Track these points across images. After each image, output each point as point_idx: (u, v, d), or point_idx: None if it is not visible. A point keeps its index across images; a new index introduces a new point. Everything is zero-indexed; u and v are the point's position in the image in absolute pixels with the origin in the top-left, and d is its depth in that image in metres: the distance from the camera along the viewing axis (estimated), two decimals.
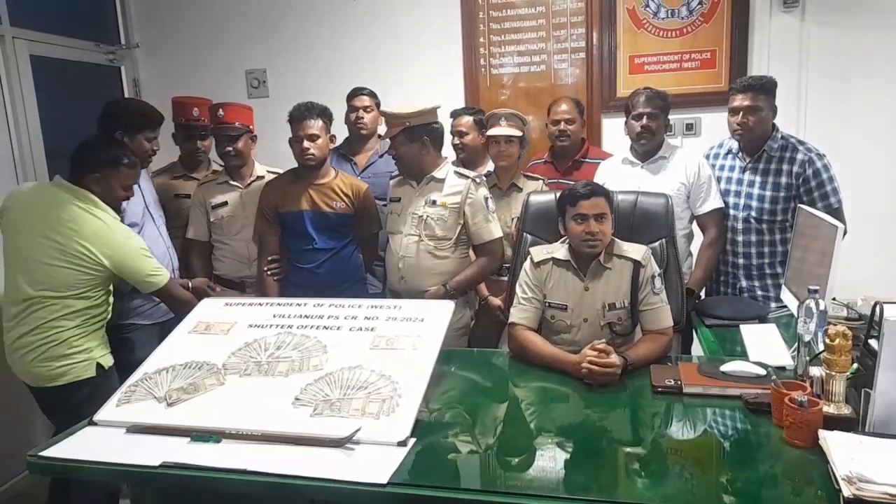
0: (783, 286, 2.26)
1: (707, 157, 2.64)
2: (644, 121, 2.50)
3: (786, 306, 2.28)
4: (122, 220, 2.28)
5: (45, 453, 1.48)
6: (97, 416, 1.62)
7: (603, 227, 1.93)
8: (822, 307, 1.60)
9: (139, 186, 2.39)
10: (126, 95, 3.71)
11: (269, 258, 2.50)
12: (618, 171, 2.60)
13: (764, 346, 1.93)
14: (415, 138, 2.32)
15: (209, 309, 2.05)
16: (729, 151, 2.57)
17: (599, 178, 2.56)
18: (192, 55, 3.71)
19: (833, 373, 1.42)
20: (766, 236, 2.44)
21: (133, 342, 2.38)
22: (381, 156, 2.81)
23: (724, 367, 1.71)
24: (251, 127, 2.61)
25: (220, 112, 2.54)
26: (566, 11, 3.31)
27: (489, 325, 2.55)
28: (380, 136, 2.91)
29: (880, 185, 3.01)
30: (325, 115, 2.44)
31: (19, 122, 2.96)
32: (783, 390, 1.43)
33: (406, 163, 2.37)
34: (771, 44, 3.09)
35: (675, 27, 3.20)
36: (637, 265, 1.95)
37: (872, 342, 1.49)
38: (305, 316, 1.93)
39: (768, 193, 2.41)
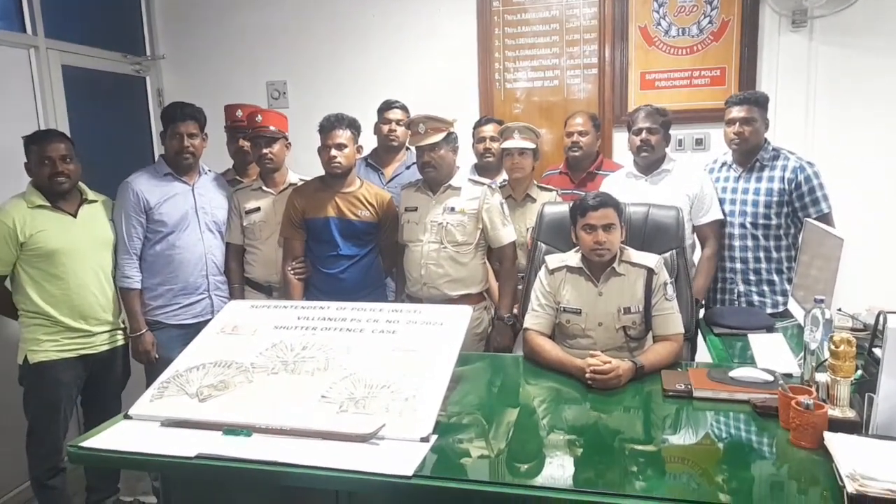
0: (790, 296, 2.33)
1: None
2: (644, 135, 2.59)
3: (782, 313, 2.37)
4: (156, 225, 2.45)
5: (84, 444, 1.55)
6: (132, 411, 1.70)
7: (611, 237, 2.00)
8: (827, 316, 1.66)
9: (192, 192, 2.54)
10: (150, 105, 3.83)
11: (294, 259, 2.56)
12: (622, 183, 2.68)
13: (771, 354, 1.99)
14: (451, 144, 2.44)
15: (236, 311, 2.13)
16: (724, 164, 2.69)
17: (605, 190, 2.63)
18: (215, 67, 3.82)
19: (838, 378, 1.48)
20: (762, 242, 2.53)
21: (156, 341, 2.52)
22: (409, 167, 2.90)
23: (733, 373, 1.77)
24: (287, 133, 2.69)
25: (259, 117, 2.61)
26: (579, 28, 3.40)
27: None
28: (407, 147, 2.98)
29: (888, 199, 3.08)
30: (354, 126, 2.52)
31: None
32: (790, 394, 1.49)
33: (444, 169, 2.45)
34: (779, 62, 3.17)
35: (685, 45, 3.28)
36: (650, 272, 2.02)
37: (876, 350, 1.55)
38: (329, 318, 2.00)
39: (762, 199, 2.51)
